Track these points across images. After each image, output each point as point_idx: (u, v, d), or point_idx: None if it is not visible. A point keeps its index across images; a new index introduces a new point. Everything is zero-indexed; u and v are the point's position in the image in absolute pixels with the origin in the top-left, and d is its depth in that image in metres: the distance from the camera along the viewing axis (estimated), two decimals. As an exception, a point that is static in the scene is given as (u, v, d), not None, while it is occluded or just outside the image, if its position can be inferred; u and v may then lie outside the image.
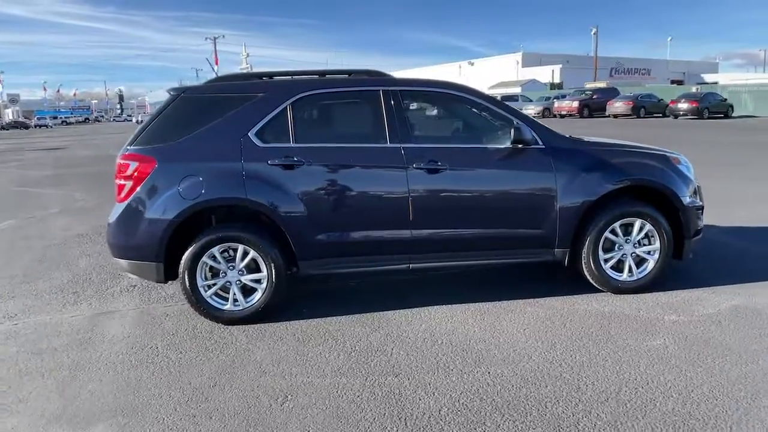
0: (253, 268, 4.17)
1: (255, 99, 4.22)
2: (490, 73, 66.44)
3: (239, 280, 4.17)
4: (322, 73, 4.53)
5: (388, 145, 4.19)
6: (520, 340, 3.77)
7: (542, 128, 4.42)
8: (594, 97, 35.97)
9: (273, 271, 4.12)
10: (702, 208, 4.62)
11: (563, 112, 35.73)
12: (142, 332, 4.13)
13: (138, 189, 4.04)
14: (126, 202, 4.08)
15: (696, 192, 4.60)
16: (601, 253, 4.42)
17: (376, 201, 4.19)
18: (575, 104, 35.17)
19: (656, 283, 4.51)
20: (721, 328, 3.85)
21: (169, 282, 4.30)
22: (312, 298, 4.69)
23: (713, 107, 30.95)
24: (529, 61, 66.84)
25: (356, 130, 4.40)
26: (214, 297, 4.17)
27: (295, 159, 4.09)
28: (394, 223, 4.20)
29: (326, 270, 4.24)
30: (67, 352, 3.81)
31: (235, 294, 4.16)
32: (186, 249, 4.08)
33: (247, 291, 4.20)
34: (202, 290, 4.14)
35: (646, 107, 34.01)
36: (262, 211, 4.09)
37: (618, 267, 4.49)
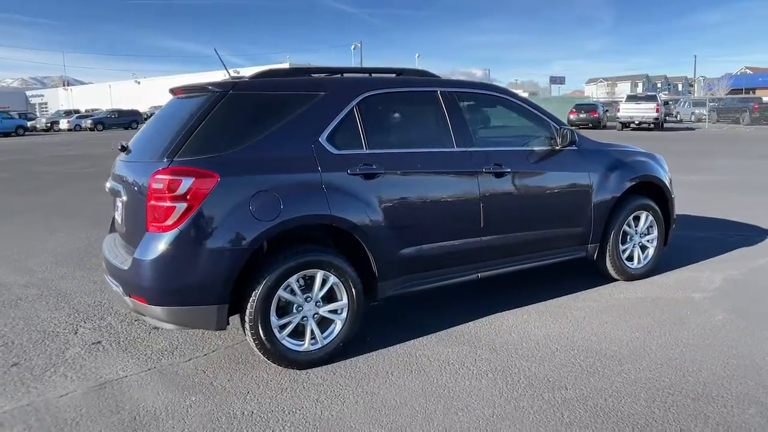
0: (329, 297, 3.53)
1: (318, 98, 3.57)
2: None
3: (316, 313, 3.50)
4: (369, 71, 4.03)
5: (459, 149, 3.94)
6: (616, 334, 3.86)
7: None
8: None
9: (354, 297, 3.55)
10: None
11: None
12: (211, 407, 3.19)
13: (195, 212, 3.11)
14: (175, 231, 3.10)
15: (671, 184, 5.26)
16: (619, 245, 4.76)
17: (453, 209, 3.90)
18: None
19: (654, 268, 5.04)
20: (743, 294, 4.47)
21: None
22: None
23: None
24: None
25: (423, 134, 4.01)
26: (287, 338, 3.42)
27: (374, 167, 3.58)
28: (468, 231, 3.97)
29: (402, 289, 3.79)
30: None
31: (312, 330, 3.47)
32: (246, 283, 3.27)
33: (321, 325, 3.54)
34: (276, 331, 3.36)
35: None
36: (344, 229, 3.48)
37: (629, 257, 4.88)
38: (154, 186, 3.12)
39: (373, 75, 4.01)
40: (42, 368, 3.60)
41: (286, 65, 71.35)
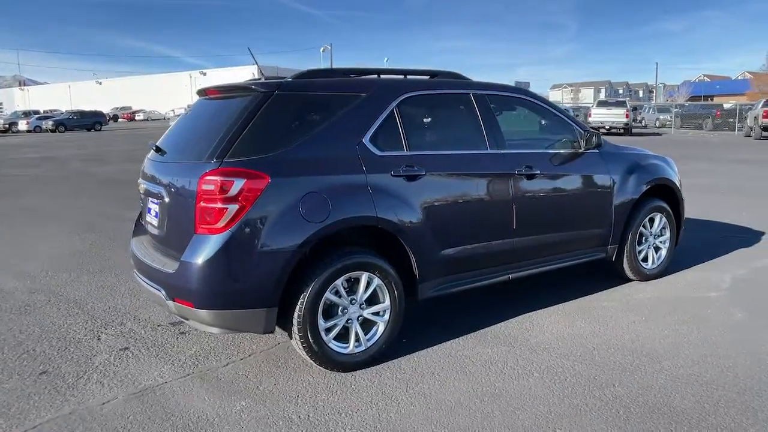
0: (371, 299, 3.52)
1: (360, 99, 3.57)
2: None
3: (360, 315, 3.48)
4: (404, 73, 4.04)
5: (492, 150, 3.98)
6: (645, 332, 3.95)
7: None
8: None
9: (396, 299, 3.55)
10: None
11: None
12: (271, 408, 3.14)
13: (246, 214, 3.06)
14: (227, 233, 3.04)
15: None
16: (636, 246, 4.88)
17: (488, 210, 3.94)
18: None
19: (666, 269, 5.18)
20: (755, 293, 4.63)
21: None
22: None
23: None
24: (266, 74, 66.97)
25: (458, 136, 4.03)
26: (333, 341, 3.40)
27: (415, 168, 3.59)
28: (501, 232, 4.01)
29: (439, 291, 3.80)
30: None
31: (357, 332, 3.46)
32: (293, 286, 3.24)
33: (363, 328, 3.52)
34: (323, 334, 3.34)
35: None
36: (389, 230, 3.48)
37: (644, 258, 5.01)
38: (205, 187, 3.07)
39: (408, 77, 4.02)
40: (74, 376, 3.49)
41: (254, 68, 70.84)
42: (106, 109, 53.14)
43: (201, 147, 3.30)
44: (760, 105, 26.10)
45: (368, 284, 3.45)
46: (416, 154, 3.65)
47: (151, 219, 3.66)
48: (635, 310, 4.37)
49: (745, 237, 6.59)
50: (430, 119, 4.03)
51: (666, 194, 5.09)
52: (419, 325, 4.12)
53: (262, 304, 3.15)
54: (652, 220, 4.99)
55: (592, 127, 25.90)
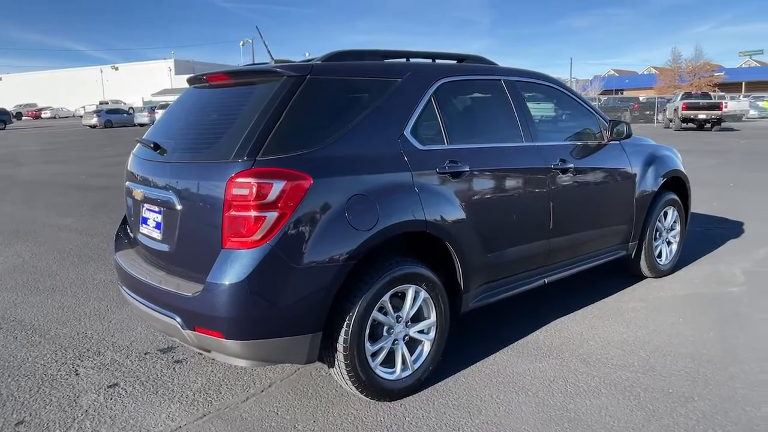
0: (416, 315, 3.08)
1: (395, 85, 3.09)
2: (139, 79, 61.55)
3: (407, 335, 3.03)
4: (432, 56, 3.58)
5: (527, 143, 3.62)
6: (690, 334, 3.73)
7: None
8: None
9: (443, 313, 3.13)
10: None
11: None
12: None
13: (287, 223, 2.53)
14: (265, 246, 2.50)
15: None
16: (653, 241, 4.69)
17: (529, 208, 3.58)
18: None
19: (676, 264, 5.03)
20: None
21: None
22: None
23: None
24: (182, 68, 64.28)
25: (495, 127, 3.61)
26: (380, 366, 2.93)
27: (459, 164, 3.17)
28: (539, 232, 3.67)
29: (480, 302, 3.40)
30: None
31: (403, 354, 3.01)
32: (337, 305, 2.75)
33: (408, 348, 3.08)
34: (370, 360, 2.86)
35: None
36: (437, 236, 3.04)
37: (659, 253, 4.82)
38: (235, 192, 2.51)
39: (437, 61, 3.58)
40: (61, 425, 2.83)
41: (171, 62, 68.10)
42: (8, 107, 48.91)
43: (221, 143, 2.73)
44: (679, 98, 27.50)
45: (414, 299, 3.01)
46: (458, 147, 3.23)
47: (149, 231, 3.04)
48: (667, 311, 4.16)
49: (728, 228, 6.63)
50: (466, 109, 3.62)
51: (677, 187, 4.94)
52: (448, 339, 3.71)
53: (306, 329, 2.63)
54: (665, 214, 4.81)
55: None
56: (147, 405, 3.02)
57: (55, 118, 63.99)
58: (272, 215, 2.50)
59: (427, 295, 3.04)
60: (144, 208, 3.09)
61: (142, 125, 40.78)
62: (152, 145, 3.02)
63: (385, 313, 2.91)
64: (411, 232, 2.93)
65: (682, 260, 5.27)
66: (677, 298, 4.41)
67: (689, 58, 53.95)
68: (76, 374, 3.39)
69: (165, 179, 2.89)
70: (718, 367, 3.28)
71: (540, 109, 4.32)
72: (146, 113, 40.80)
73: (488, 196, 3.33)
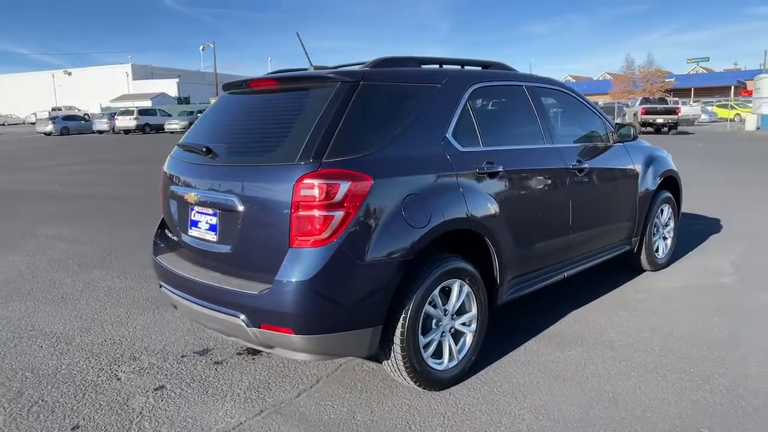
0: (460, 308, 3.24)
1: (435, 90, 3.26)
2: (95, 84, 59.90)
3: (452, 327, 3.20)
4: (461, 63, 3.76)
5: (548, 145, 3.85)
6: (706, 322, 3.99)
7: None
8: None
9: (483, 305, 3.31)
10: None
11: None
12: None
13: (352, 221, 2.66)
14: (333, 244, 2.62)
15: None
16: (653, 237, 4.99)
17: (553, 206, 3.83)
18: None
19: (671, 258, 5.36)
20: (762, 276, 4.88)
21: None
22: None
23: None
24: (140, 73, 62.93)
25: (520, 129, 3.82)
26: (430, 357, 3.08)
27: (494, 165, 3.36)
28: (560, 228, 3.90)
29: (511, 295, 3.59)
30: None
31: (450, 346, 3.17)
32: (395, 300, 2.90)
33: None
34: (423, 351, 3.01)
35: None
36: (478, 232, 3.21)
37: (656, 248, 5.13)
38: (304, 193, 2.62)
39: (465, 67, 3.77)
40: (118, 427, 2.87)
41: (128, 66, 66.58)
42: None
43: (284, 146, 2.84)
44: (638, 103, 28.61)
45: (459, 293, 3.17)
46: (492, 149, 3.42)
47: (201, 233, 3.11)
48: (671, 300, 4.45)
49: (706, 224, 7.03)
50: (495, 112, 3.81)
51: (671, 185, 5.25)
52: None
53: (369, 323, 2.77)
54: (662, 211, 5.12)
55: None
56: (201, 405, 3.08)
57: (3, 125, 61.70)
58: (339, 214, 2.63)
59: (470, 290, 3.21)
60: (193, 211, 3.16)
61: (101, 132, 39.84)
62: (204, 149, 3.09)
63: (435, 307, 3.06)
64: (457, 229, 3.10)
65: (673, 255, 5.59)
66: (678, 289, 4.71)
67: (642, 64, 56.00)
68: (118, 379, 3.41)
69: (222, 182, 2.97)
70: (729, 349, 3.56)
71: (554, 113, 4.55)
72: (106, 120, 39.86)
73: (518, 194, 3.53)
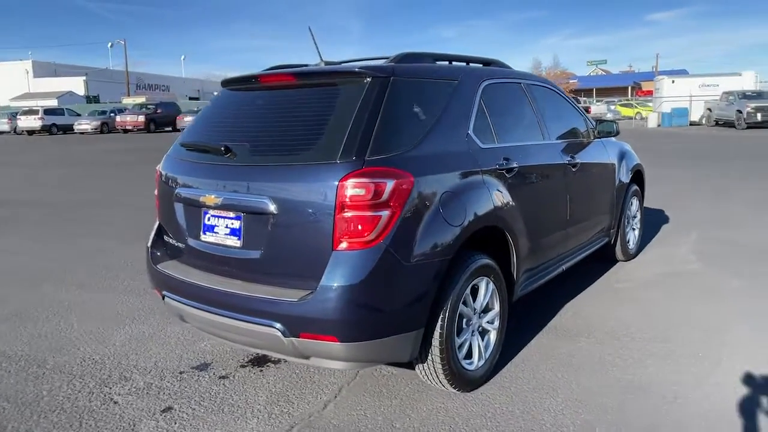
0: (484, 306, 3.20)
1: (453, 86, 3.19)
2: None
3: (480, 326, 3.14)
4: (466, 60, 3.70)
5: (548, 141, 3.90)
6: (695, 310, 4.17)
7: None
8: (158, 111, 35.02)
9: (504, 303, 3.29)
10: None
11: (128, 127, 33.89)
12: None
13: (397, 221, 2.53)
14: (380, 245, 2.48)
15: None
16: (626, 228, 5.18)
17: (555, 201, 3.87)
18: (141, 119, 33.64)
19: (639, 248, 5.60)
20: (723, 261, 5.19)
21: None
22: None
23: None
24: (42, 71, 58.37)
25: (524, 126, 3.80)
26: (463, 358, 3.01)
27: (511, 161, 3.34)
28: (561, 222, 3.96)
29: (524, 291, 3.58)
30: None
31: (479, 345, 3.12)
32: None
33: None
34: (457, 352, 2.94)
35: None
36: (502, 228, 3.18)
37: (628, 239, 5.33)
38: (350, 192, 2.47)
39: (471, 64, 3.72)
40: None
41: (28, 63, 61.45)
42: None
43: (320, 144, 2.66)
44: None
45: (486, 290, 3.12)
46: (506, 146, 3.40)
47: (220, 238, 2.86)
48: (653, 288, 4.65)
49: (655, 215, 7.41)
50: (503, 109, 3.78)
51: (637, 179, 5.48)
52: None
53: (413, 326, 2.66)
54: (632, 204, 5.33)
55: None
56: (221, 425, 2.85)
57: None
58: (385, 214, 2.50)
59: (494, 287, 3.17)
60: (207, 215, 2.91)
61: (1, 133, 36.75)
62: (223, 149, 2.84)
63: (466, 306, 3.00)
64: (486, 225, 3.04)
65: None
66: (656, 276, 4.93)
67: (548, 66, 58.79)
68: (115, 403, 3.10)
69: (249, 183, 2.74)
70: (725, 332, 3.74)
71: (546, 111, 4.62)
72: (6, 120, 36.75)
73: (530, 189, 3.54)
